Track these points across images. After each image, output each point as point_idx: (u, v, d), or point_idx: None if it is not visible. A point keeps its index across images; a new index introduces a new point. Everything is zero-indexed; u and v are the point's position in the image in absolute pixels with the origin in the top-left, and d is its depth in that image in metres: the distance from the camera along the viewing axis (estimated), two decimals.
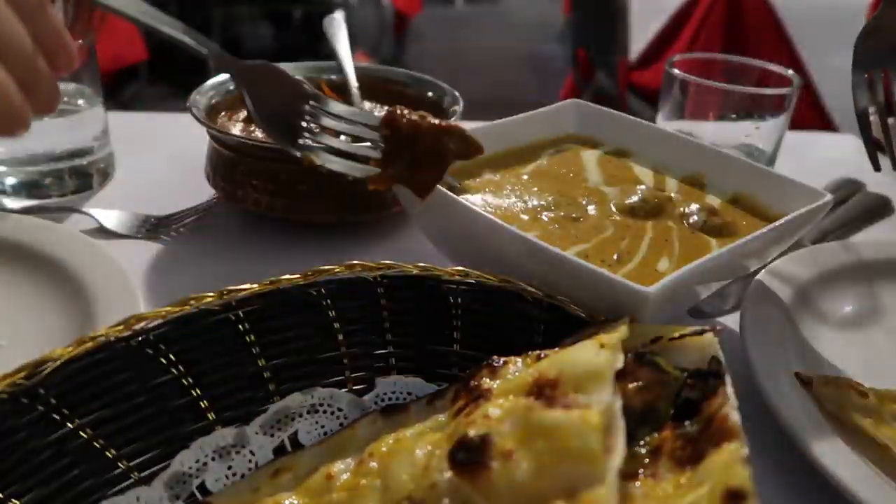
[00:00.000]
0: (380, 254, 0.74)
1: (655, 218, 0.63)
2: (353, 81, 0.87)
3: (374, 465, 0.40)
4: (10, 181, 0.79)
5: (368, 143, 0.59)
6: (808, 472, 0.50)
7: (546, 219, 0.61)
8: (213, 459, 0.43)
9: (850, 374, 0.59)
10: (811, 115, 2.15)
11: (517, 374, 0.40)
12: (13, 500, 0.38)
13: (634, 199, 0.64)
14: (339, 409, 0.47)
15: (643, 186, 0.67)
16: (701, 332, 0.42)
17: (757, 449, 0.53)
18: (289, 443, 0.45)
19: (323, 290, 0.47)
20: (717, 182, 0.68)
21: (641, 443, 0.38)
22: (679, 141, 0.71)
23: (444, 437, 0.39)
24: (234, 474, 0.43)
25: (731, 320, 0.66)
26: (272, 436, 0.45)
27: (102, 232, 0.75)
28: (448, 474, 0.36)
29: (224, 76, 0.84)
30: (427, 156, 0.56)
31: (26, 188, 0.80)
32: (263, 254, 0.74)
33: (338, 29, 0.92)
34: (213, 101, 0.81)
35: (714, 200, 0.65)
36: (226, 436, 0.44)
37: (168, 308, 0.42)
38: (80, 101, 0.82)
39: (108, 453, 0.41)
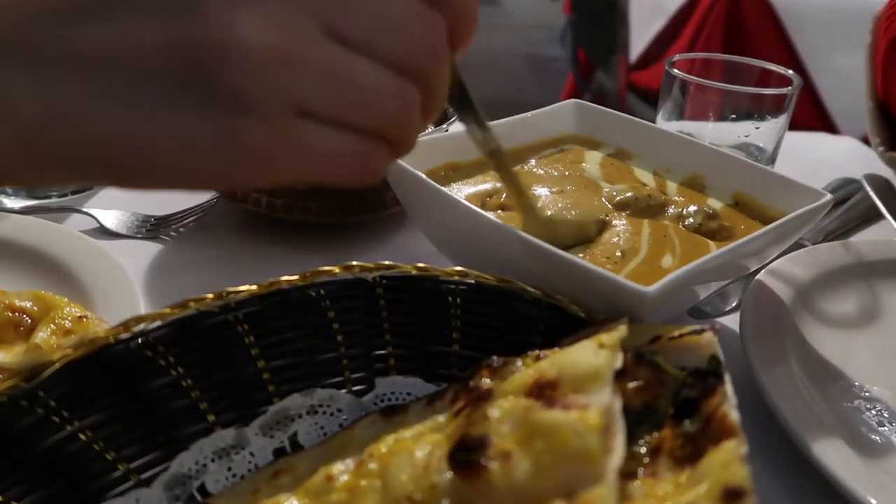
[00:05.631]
0: (380, 254, 0.74)
1: (652, 216, 0.63)
2: None
3: (373, 465, 0.40)
4: None
5: None
6: (807, 471, 0.50)
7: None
8: (212, 461, 0.43)
9: (851, 374, 0.59)
10: (811, 115, 2.15)
11: (516, 374, 0.40)
12: (13, 503, 0.38)
13: (628, 195, 0.64)
14: (339, 410, 0.47)
15: (646, 188, 0.67)
16: (700, 332, 0.42)
17: (756, 448, 0.53)
18: (288, 444, 0.45)
19: (322, 291, 0.47)
20: (717, 183, 0.68)
21: (641, 442, 0.38)
22: (679, 141, 0.71)
23: (444, 438, 0.39)
24: (233, 476, 0.43)
25: (731, 320, 0.66)
26: (272, 437, 0.45)
27: (102, 232, 0.75)
28: (448, 475, 0.36)
29: None
30: None
31: (26, 188, 0.80)
32: (263, 254, 0.74)
33: None
34: None
35: (715, 203, 0.65)
36: (225, 437, 0.44)
37: (167, 310, 0.42)
38: None
39: (107, 455, 0.41)
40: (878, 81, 0.92)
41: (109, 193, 0.84)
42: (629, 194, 0.64)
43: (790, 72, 0.81)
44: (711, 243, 0.59)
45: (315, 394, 0.46)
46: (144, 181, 0.35)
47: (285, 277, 0.46)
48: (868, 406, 0.56)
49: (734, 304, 0.68)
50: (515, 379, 0.39)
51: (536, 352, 0.42)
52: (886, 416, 0.55)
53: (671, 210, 0.64)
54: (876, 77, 0.93)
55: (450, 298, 0.48)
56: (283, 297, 0.46)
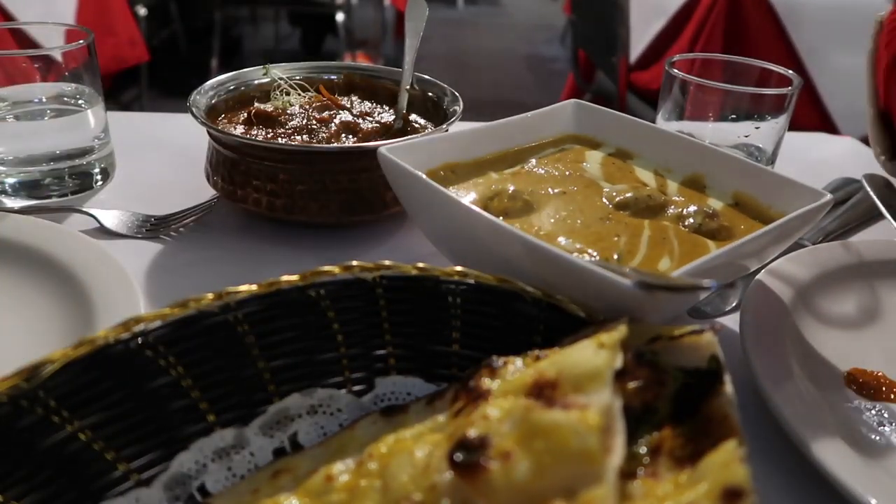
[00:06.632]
0: (379, 254, 0.74)
1: (652, 216, 0.63)
2: (407, 79, 0.85)
3: (373, 465, 0.40)
4: (10, 181, 0.80)
5: None
6: (807, 471, 0.50)
7: (547, 218, 0.61)
8: (212, 461, 0.43)
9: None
10: (811, 115, 2.15)
11: (516, 374, 0.40)
12: (13, 503, 0.38)
13: (628, 195, 0.64)
14: (339, 410, 0.47)
15: (646, 188, 0.67)
16: (700, 332, 0.42)
17: (756, 448, 0.53)
18: (288, 444, 0.45)
19: (322, 292, 0.47)
20: (718, 183, 0.68)
21: (641, 442, 0.38)
22: (679, 141, 0.71)
23: (444, 438, 0.39)
24: (233, 475, 0.43)
25: (731, 320, 0.66)
26: (272, 437, 0.45)
27: (102, 232, 0.75)
28: (448, 475, 0.36)
29: (224, 76, 0.84)
30: None
31: (26, 188, 0.80)
32: (263, 254, 0.74)
33: (417, 19, 0.87)
34: (213, 101, 0.81)
35: (715, 203, 0.65)
36: (225, 437, 0.44)
37: (167, 310, 0.42)
38: (81, 101, 0.82)
39: (107, 455, 0.41)
40: (880, 94, 0.92)
41: (109, 193, 0.84)
42: (629, 195, 0.64)
43: (790, 72, 0.81)
44: (711, 243, 0.59)
45: (315, 394, 0.46)
46: None
47: (285, 277, 0.46)
48: (868, 406, 0.56)
49: (734, 304, 0.68)
50: (515, 379, 0.39)
51: (536, 352, 0.42)
52: (886, 416, 0.55)
53: (671, 210, 0.64)
54: (878, 88, 0.93)
55: (450, 298, 0.48)
56: (283, 297, 0.46)
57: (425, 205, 0.61)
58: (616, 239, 0.59)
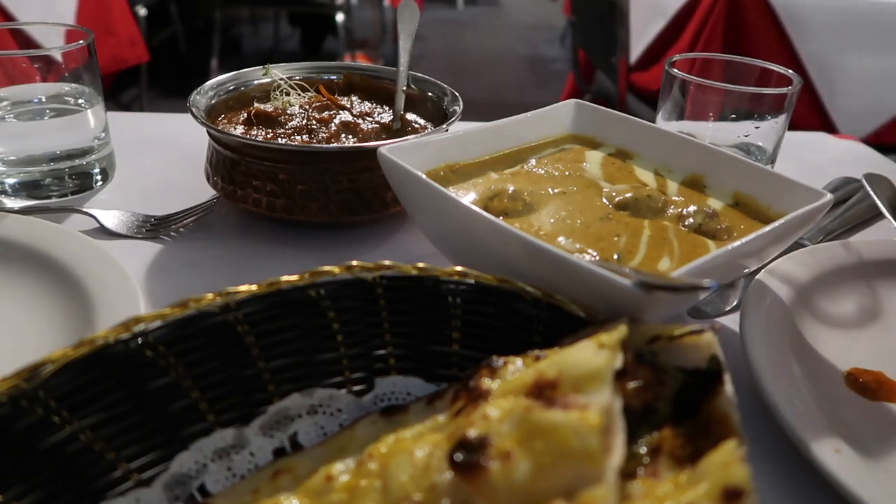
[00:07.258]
0: (379, 254, 0.74)
1: (652, 216, 0.63)
2: (403, 82, 0.85)
3: (373, 465, 0.40)
4: (10, 181, 0.80)
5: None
6: (807, 471, 0.50)
7: (547, 218, 0.61)
8: (212, 461, 0.43)
9: None
10: (811, 115, 2.15)
11: (516, 374, 0.40)
12: (13, 503, 0.38)
13: (628, 195, 0.64)
14: (339, 410, 0.47)
15: (646, 188, 0.67)
16: (700, 332, 0.42)
17: (756, 448, 0.53)
18: (288, 444, 0.45)
19: (322, 291, 0.47)
20: (717, 183, 0.68)
21: (641, 442, 0.38)
22: (679, 141, 0.71)
23: (444, 438, 0.39)
24: (233, 475, 0.43)
25: (731, 320, 0.66)
26: (272, 437, 0.45)
27: (102, 232, 0.75)
28: (448, 475, 0.36)
29: (224, 76, 0.84)
30: None
31: (26, 188, 0.80)
32: (263, 254, 0.74)
33: (409, 21, 0.87)
34: (213, 101, 0.81)
35: (715, 203, 0.65)
36: (225, 437, 0.44)
37: (167, 310, 0.42)
38: (81, 101, 0.82)
39: (107, 455, 0.41)
40: None
41: (109, 193, 0.84)
42: (629, 195, 0.64)
43: (790, 71, 0.81)
44: (711, 243, 0.59)
45: (315, 394, 0.46)
46: None
47: (285, 277, 0.46)
48: (868, 406, 0.56)
49: (734, 304, 0.68)
50: (515, 379, 0.39)
51: (536, 352, 0.42)
52: (886, 416, 0.55)
53: (671, 210, 0.64)
54: None
55: (450, 298, 0.48)
56: (283, 297, 0.46)
57: (425, 205, 0.61)
58: (616, 239, 0.59)
